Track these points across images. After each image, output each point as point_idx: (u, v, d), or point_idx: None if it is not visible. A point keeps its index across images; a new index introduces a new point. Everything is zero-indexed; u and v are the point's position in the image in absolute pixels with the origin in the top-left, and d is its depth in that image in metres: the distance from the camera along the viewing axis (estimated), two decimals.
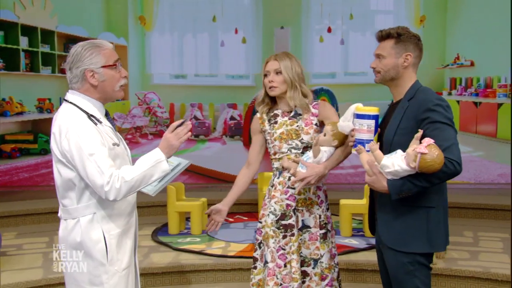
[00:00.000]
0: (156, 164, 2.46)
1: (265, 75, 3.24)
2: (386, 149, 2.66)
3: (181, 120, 2.55)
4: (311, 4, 8.58)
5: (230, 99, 8.68)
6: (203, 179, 8.47)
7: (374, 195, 2.94)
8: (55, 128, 2.48)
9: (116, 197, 2.39)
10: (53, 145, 2.49)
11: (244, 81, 8.79)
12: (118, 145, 2.56)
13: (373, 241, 5.26)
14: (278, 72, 3.19)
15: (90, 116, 2.50)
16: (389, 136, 2.70)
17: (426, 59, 9.57)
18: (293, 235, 3.16)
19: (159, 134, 8.66)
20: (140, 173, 2.42)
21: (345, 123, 2.83)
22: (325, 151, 3.02)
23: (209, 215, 3.29)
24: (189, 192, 6.29)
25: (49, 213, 6.41)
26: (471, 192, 7.36)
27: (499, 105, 8.13)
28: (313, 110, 3.22)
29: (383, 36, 2.79)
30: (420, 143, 2.46)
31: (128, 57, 8.57)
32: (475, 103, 8.33)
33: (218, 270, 4.74)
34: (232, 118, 8.69)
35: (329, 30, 8.60)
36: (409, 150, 2.48)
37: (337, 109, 8.54)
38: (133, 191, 2.44)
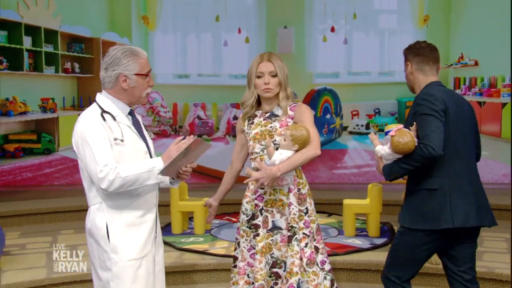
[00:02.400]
0: (152, 170, 2.65)
1: (258, 77, 3.23)
2: None
3: (183, 136, 2.75)
4: (314, 3, 8.57)
5: (233, 99, 8.68)
6: (206, 179, 8.46)
7: None
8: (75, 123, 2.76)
9: (108, 187, 2.58)
10: (72, 139, 2.75)
11: None
12: (122, 140, 2.69)
13: (377, 241, 5.28)
14: (273, 75, 3.21)
15: (103, 112, 2.71)
16: None
17: None
18: (258, 235, 3.21)
19: (162, 134, 8.67)
20: (135, 174, 2.62)
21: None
22: (280, 154, 3.07)
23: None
24: (192, 192, 6.29)
25: (52, 212, 6.43)
26: None
27: (503, 104, 8.11)
28: (289, 112, 3.24)
29: None
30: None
31: None
32: (479, 103, 8.31)
33: (221, 270, 4.75)
34: (235, 117, 8.68)
35: (333, 29, 8.58)
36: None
37: (340, 109, 8.57)
38: (125, 187, 2.61)
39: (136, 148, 2.77)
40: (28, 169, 8.36)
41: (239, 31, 8.61)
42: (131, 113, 2.85)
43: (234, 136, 8.62)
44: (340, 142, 8.59)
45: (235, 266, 3.37)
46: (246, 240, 3.27)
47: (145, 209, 2.81)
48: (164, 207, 6.28)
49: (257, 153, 3.25)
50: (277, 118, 3.24)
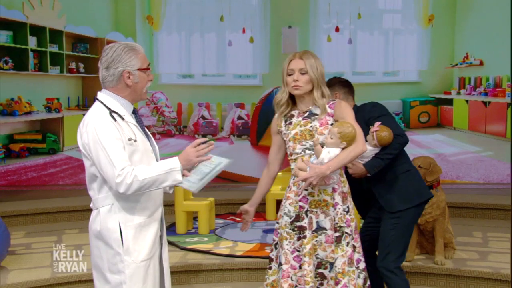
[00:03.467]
0: (170, 172, 2.62)
1: (289, 74, 3.15)
2: None
3: (206, 139, 2.73)
4: (319, 3, 8.57)
5: (238, 99, 8.68)
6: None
7: (359, 185, 3.65)
8: (81, 123, 2.70)
9: (126, 191, 2.55)
10: (78, 139, 2.70)
11: (252, 80, 8.78)
12: (135, 141, 2.67)
13: None
14: (303, 72, 3.13)
15: (111, 112, 2.67)
16: None
17: (435, 59, 9.56)
18: (305, 237, 3.11)
19: (166, 134, 8.68)
20: (153, 176, 2.58)
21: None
22: (328, 152, 3.00)
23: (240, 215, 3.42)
24: None
25: (57, 212, 6.44)
26: (480, 192, 7.32)
27: (509, 104, 8.09)
28: (329, 110, 3.14)
29: None
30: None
31: None
32: (484, 103, 8.30)
33: (225, 269, 4.75)
34: (239, 117, 8.69)
35: (337, 29, 8.57)
36: (368, 137, 3.40)
37: None
38: (143, 190, 2.59)
39: (145, 146, 2.76)
40: (33, 168, 8.38)
41: (244, 30, 8.61)
42: (134, 112, 2.83)
43: (239, 136, 8.67)
44: None
45: (270, 268, 3.30)
46: (290, 242, 3.15)
47: (153, 209, 2.79)
48: (168, 207, 6.29)
49: (297, 153, 3.15)
50: (316, 117, 3.15)
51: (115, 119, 2.65)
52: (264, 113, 8.50)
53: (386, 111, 3.63)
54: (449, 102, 8.52)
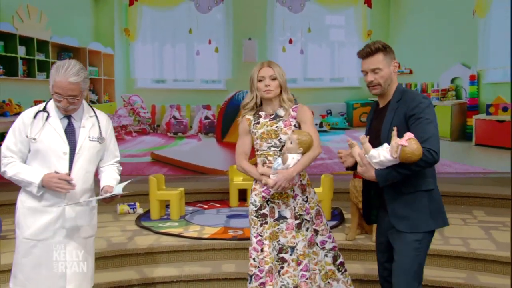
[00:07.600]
0: (30, 183, 2.72)
1: (260, 80, 3.16)
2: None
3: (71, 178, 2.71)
4: (275, 19, 8.61)
5: (205, 101, 8.65)
6: (181, 171, 8.43)
7: (374, 189, 2.84)
8: None
9: (1, 174, 2.77)
10: None
11: (217, 85, 8.76)
12: (34, 139, 2.69)
13: (329, 223, 5.32)
14: (273, 78, 3.14)
15: (41, 110, 2.74)
16: (385, 134, 2.65)
17: None
18: (266, 223, 3.15)
19: (142, 132, 8.59)
20: (18, 178, 2.75)
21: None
22: (293, 158, 3.02)
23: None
24: (168, 182, 6.25)
25: None
26: None
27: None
28: (292, 113, 3.18)
29: (372, 51, 2.70)
30: (401, 137, 2.47)
31: (115, 64, 8.48)
32: None
33: (194, 250, 4.74)
34: (206, 117, 8.67)
35: (290, 41, 8.63)
36: (392, 142, 2.48)
37: None
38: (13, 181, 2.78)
39: (54, 147, 2.71)
40: None
41: (210, 42, 8.58)
42: (69, 118, 2.76)
43: (206, 133, 8.64)
44: None
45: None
46: (254, 228, 3.19)
47: (53, 202, 2.77)
48: (143, 196, 6.27)
49: (264, 150, 3.19)
50: (281, 118, 3.18)
51: (35, 117, 2.71)
52: (228, 114, 8.50)
53: (434, 115, 2.59)
54: None
